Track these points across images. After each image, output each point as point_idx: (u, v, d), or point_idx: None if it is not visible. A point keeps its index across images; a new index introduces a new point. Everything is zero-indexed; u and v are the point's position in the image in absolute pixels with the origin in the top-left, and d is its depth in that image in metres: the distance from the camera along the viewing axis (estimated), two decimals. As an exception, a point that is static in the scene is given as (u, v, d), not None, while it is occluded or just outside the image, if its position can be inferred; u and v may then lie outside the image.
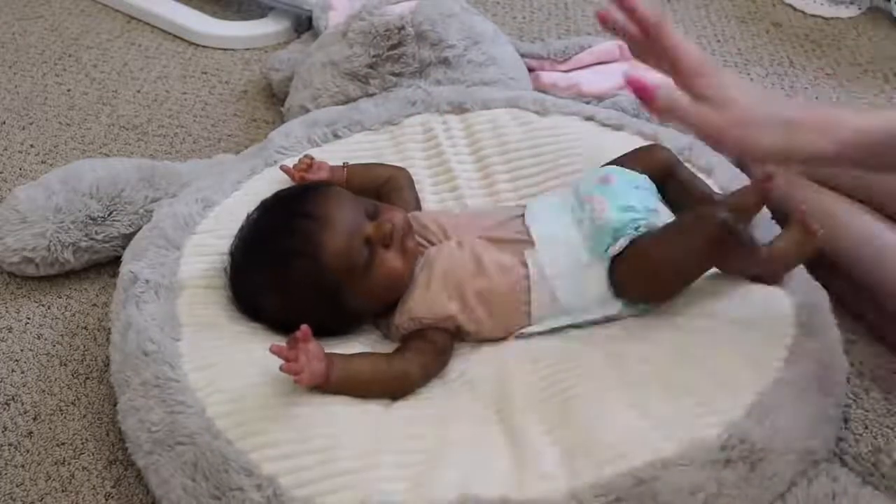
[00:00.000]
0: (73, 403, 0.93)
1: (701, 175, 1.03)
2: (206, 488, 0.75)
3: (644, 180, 0.95)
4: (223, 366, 0.83)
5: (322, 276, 0.86)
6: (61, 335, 1.01)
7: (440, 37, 1.20)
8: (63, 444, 0.89)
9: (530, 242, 0.91)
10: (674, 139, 1.09)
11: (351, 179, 1.03)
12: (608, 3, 0.76)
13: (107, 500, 0.84)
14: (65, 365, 0.98)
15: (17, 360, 0.98)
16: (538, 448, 0.76)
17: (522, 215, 0.95)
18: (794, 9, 1.62)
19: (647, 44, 0.76)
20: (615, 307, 0.90)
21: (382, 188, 1.03)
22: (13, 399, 0.94)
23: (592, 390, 0.80)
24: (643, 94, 0.71)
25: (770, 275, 0.89)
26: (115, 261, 1.02)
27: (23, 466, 0.87)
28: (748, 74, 1.45)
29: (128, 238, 1.03)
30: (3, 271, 1.08)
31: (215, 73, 1.48)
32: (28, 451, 0.88)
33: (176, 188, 1.08)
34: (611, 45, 1.35)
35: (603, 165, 1.00)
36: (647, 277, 0.88)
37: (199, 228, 0.99)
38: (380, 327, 0.94)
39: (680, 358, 0.82)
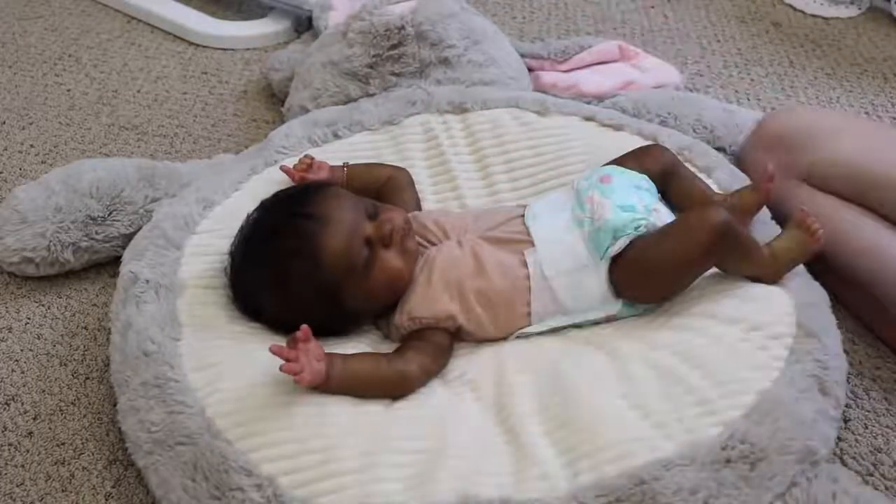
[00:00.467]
0: (73, 403, 0.93)
1: (701, 175, 1.03)
2: (206, 488, 0.75)
3: (644, 180, 0.95)
4: (223, 366, 0.83)
5: (322, 277, 0.86)
6: (61, 335, 1.01)
7: (440, 37, 1.20)
8: (63, 444, 0.89)
9: (530, 242, 0.91)
10: (674, 139, 1.09)
11: (351, 179, 1.03)
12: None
13: (107, 500, 0.84)
14: (65, 365, 0.98)
15: (17, 360, 0.98)
16: (538, 448, 0.76)
17: (522, 215, 0.95)
18: (794, 9, 1.62)
19: None
20: (615, 307, 0.90)
21: (382, 188, 1.03)
22: (13, 399, 0.94)
23: (593, 391, 0.80)
24: None
25: (770, 275, 0.89)
26: (115, 261, 1.02)
27: (23, 466, 0.87)
28: (748, 74, 1.45)
29: (128, 238, 1.03)
30: (3, 271, 1.08)
31: (215, 73, 1.48)
32: (28, 451, 0.88)
33: (176, 188, 1.08)
34: (611, 45, 1.35)
35: (603, 165, 1.00)
36: (647, 277, 0.88)
37: (199, 228, 0.99)
38: (380, 327, 0.94)
39: (680, 358, 0.82)
